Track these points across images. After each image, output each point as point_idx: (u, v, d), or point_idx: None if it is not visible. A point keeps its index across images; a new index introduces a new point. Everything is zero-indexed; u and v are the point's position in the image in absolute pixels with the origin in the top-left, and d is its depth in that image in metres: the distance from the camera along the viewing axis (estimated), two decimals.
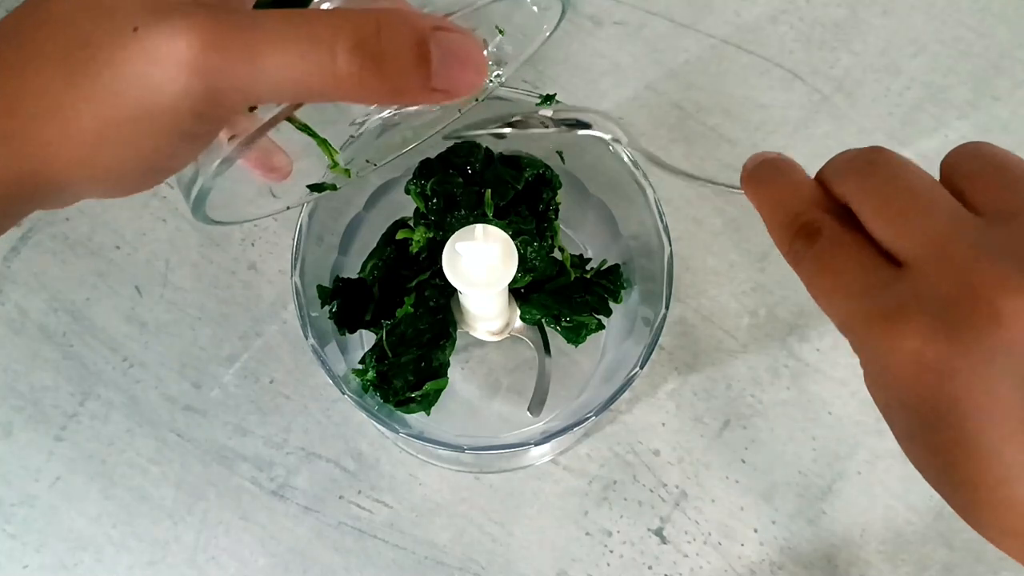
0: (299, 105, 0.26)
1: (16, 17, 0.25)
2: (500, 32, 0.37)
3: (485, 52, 0.37)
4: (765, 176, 0.28)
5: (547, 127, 0.34)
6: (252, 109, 0.27)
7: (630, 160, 0.43)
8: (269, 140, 0.35)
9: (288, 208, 0.38)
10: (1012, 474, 0.21)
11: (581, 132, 0.34)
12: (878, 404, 0.25)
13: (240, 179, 0.35)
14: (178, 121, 0.24)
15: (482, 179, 0.44)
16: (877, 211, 0.24)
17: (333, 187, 0.39)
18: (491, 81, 0.38)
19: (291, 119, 0.36)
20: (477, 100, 0.39)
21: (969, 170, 0.24)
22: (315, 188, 0.39)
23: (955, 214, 0.23)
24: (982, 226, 0.23)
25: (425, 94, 0.24)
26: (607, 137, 0.34)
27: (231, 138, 0.27)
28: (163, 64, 0.23)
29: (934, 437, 0.23)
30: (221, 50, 0.23)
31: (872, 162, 0.25)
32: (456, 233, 0.39)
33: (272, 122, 0.26)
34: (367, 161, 0.40)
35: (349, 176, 0.39)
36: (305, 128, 0.37)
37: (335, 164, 0.38)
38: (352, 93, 0.24)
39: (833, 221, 0.25)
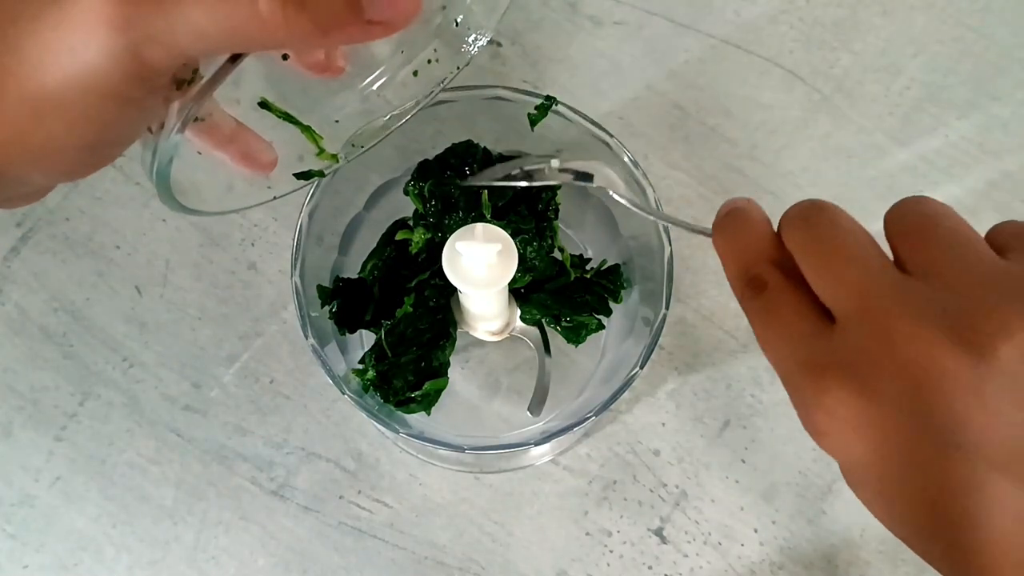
0: (239, 59, 0.25)
1: None
2: None
3: (456, 21, 0.37)
4: (727, 228, 0.29)
5: (554, 181, 0.35)
6: (194, 75, 0.26)
7: (630, 160, 0.43)
8: (247, 131, 0.34)
9: (275, 198, 0.37)
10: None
11: (582, 183, 0.35)
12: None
13: (218, 167, 0.34)
14: (106, 84, 0.23)
15: None
16: (813, 266, 0.25)
17: (320, 174, 0.38)
18: (469, 46, 0.37)
19: (270, 107, 0.36)
20: (459, 69, 0.38)
21: (901, 228, 0.25)
22: (302, 176, 0.38)
23: (881, 272, 0.24)
24: (905, 283, 0.24)
25: (360, 28, 0.24)
26: (604, 187, 0.35)
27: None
28: (82, 25, 0.22)
29: (850, 479, 0.25)
30: (137, 2, 0.22)
31: (808, 218, 0.26)
32: (456, 232, 0.38)
33: (216, 77, 0.25)
34: (353, 145, 0.39)
35: (337, 161, 0.38)
36: (285, 116, 0.36)
37: (321, 150, 0.38)
38: (280, 36, 0.23)
39: (779, 275, 0.26)
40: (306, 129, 0.37)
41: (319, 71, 0.36)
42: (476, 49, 0.37)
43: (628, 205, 0.34)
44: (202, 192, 0.33)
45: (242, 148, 0.34)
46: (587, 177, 0.34)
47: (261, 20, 0.22)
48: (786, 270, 0.26)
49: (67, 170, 0.26)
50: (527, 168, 0.35)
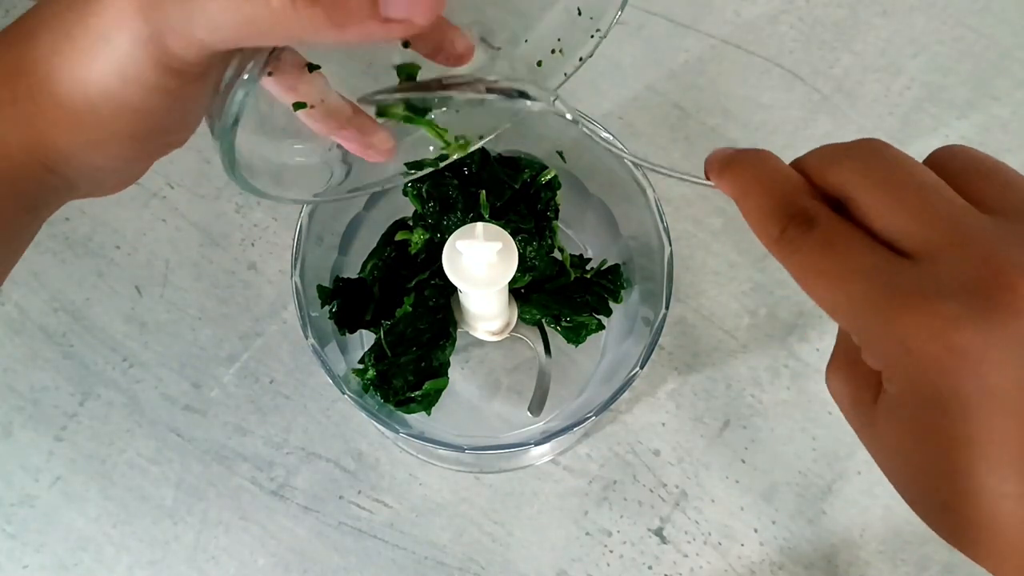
0: (281, 49, 0.25)
1: (36, 3, 0.26)
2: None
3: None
4: (743, 164, 0.26)
5: (481, 93, 0.32)
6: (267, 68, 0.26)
7: (630, 161, 0.43)
8: (365, 117, 0.34)
9: (382, 188, 0.36)
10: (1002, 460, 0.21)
11: (517, 103, 0.32)
12: (862, 406, 0.24)
13: (306, 151, 0.34)
14: (140, 72, 0.24)
15: (478, 180, 0.44)
16: (883, 199, 0.23)
17: (435, 164, 0.36)
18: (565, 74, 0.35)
19: (388, 114, 0.35)
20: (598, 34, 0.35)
21: (961, 168, 0.24)
22: (414, 166, 0.36)
23: (964, 206, 0.23)
24: (994, 220, 0.23)
25: (377, 25, 0.23)
26: (543, 107, 0.32)
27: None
28: (114, 12, 0.23)
29: (943, 426, 0.22)
30: None
31: (875, 151, 0.24)
32: (456, 231, 0.38)
33: (262, 62, 0.25)
34: (465, 140, 0.37)
35: (466, 149, 0.36)
36: (407, 118, 0.34)
37: (447, 143, 0.36)
38: (293, 30, 0.23)
39: (828, 209, 0.24)
40: (428, 124, 0.35)
41: (363, 148, 0.34)
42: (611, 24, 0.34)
43: (628, 156, 0.31)
44: (289, 178, 0.32)
45: (358, 134, 0.34)
46: (522, 95, 0.31)
47: (273, 13, 0.22)
48: (832, 205, 0.24)
49: (125, 156, 0.27)
50: (447, 81, 0.32)
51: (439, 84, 0.33)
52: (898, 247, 0.23)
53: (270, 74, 0.29)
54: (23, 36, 0.26)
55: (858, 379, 0.25)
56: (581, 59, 0.35)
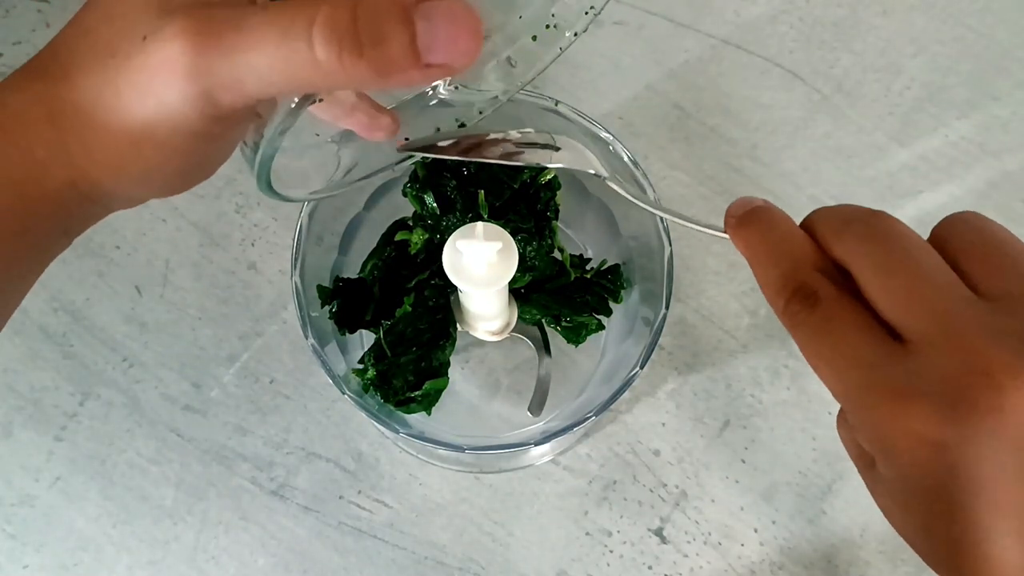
0: (315, 96, 0.26)
1: (63, 33, 0.27)
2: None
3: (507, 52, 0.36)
4: (754, 226, 0.27)
5: (511, 154, 0.32)
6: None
7: (630, 160, 0.43)
8: (368, 100, 0.35)
9: (393, 169, 0.36)
10: (990, 536, 0.22)
11: (553, 166, 0.32)
12: (867, 472, 0.25)
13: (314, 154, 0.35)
14: (189, 124, 0.25)
15: (477, 180, 0.44)
16: (881, 282, 0.24)
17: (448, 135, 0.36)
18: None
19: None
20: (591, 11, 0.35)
21: (966, 245, 0.24)
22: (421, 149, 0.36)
23: (960, 293, 0.23)
24: (987, 308, 0.23)
25: (418, 72, 0.24)
26: (582, 169, 0.32)
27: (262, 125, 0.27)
28: (164, 72, 0.24)
29: (928, 507, 0.23)
30: (206, 52, 0.23)
31: (874, 228, 0.25)
32: (457, 231, 0.38)
33: (291, 113, 0.26)
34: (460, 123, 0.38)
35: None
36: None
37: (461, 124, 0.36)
38: (339, 81, 0.24)
39: (831, 285, 0.24)
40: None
41: (371, 131, 0.36)
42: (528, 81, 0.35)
43: (628, 155, 0.31)
44: (300, 175, 0.33)
45: (364, 118, 0.35)
46: (548, 148, 0.31)
47: (319, 67, 0.23)
48: (835, 280, 0.25)
49: (168, 189, 0.29)
50: (471, 137, 0.32)
51: (476, 144, 0.33)
52: (895, 330, 0.23)
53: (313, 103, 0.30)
54: (58, 75, 0.26)
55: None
56: (576, 34, 0.36)
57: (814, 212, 0.26)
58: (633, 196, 0.32)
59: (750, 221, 0.27)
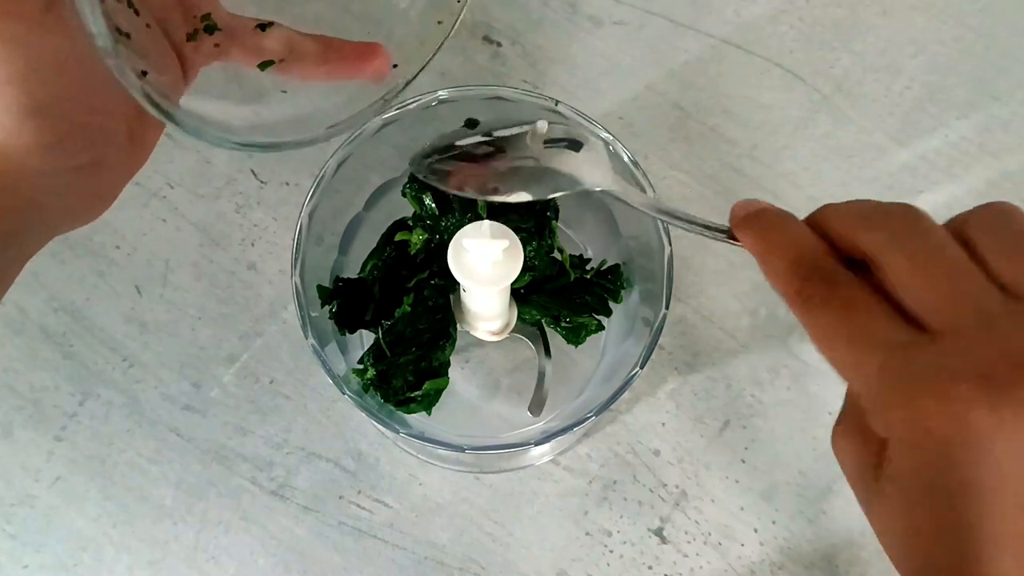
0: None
1: None
2: None
3: None
4: (763, 221, 0.27)
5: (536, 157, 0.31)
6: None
7: (630, 160, 0.43)
8: (341, 43, 0.32)
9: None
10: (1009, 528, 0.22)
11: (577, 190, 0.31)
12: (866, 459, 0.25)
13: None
14: None
15: None
16: (914, 274, 0.23)
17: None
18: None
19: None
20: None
21: (990, 244, 0.24)
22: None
23: (990, 289, 0.23)
24: (1017, 304, 0.23)
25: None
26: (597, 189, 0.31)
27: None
28: None
29: (950, 507, 0.22)
30: None
31: (909, 220, 0.24)
32: (463, 229, 0.39)
33: None
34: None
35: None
36: None
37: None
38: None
39: (849, 272, 0.24)
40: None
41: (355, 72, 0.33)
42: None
43: (628, 155, 0.31)
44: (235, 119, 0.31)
45: (342, 64, 0.32)
46: (575, 144, 0.31)
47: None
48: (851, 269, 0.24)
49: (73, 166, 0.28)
50: (499, 135, 0.31)
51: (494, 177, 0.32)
52: (918, 321, 0.23)
53: None
54: None
55: (866, 444, 0.25)
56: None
57: (823, 208, 0.26)
58: (638, 204, 0.32)
59: (757, 218, 0.27)
